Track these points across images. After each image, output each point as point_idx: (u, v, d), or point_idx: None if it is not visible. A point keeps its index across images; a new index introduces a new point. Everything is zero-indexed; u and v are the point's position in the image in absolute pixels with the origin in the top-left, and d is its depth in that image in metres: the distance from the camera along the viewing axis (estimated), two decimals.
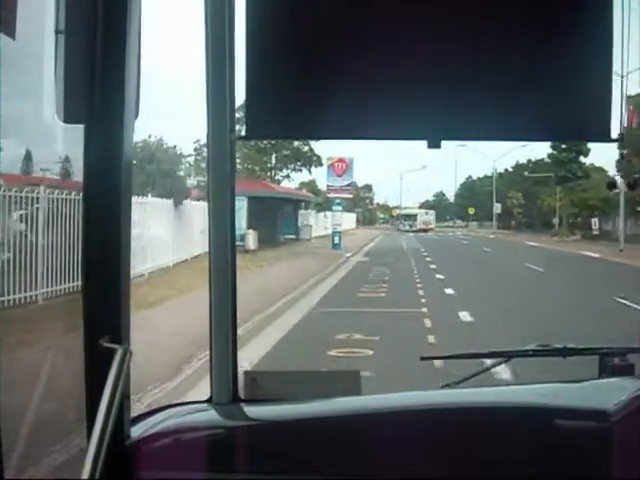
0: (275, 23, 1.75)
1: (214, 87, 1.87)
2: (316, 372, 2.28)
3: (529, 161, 42.99)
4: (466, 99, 1.75)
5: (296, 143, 33.29)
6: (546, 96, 1.76)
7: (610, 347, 2.24)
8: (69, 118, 1.62)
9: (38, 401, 1.74)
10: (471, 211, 45.22)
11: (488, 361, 2.44)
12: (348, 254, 25.66)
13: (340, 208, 29.74)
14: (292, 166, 35.98)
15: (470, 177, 49.07)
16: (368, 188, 51.33)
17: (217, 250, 1.93)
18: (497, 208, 42.89)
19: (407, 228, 41.86)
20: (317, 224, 35.09)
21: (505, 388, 2.17)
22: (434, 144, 1.78)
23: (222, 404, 1.94)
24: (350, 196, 35.21)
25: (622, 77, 1.80)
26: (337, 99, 1.76)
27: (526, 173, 42.44)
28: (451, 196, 51.81)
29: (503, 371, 5.56)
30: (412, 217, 43.14)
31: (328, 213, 33.05)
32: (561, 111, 1.76)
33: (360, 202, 45.89)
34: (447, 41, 1.74)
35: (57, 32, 1.58)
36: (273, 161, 35.69)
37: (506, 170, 44.55)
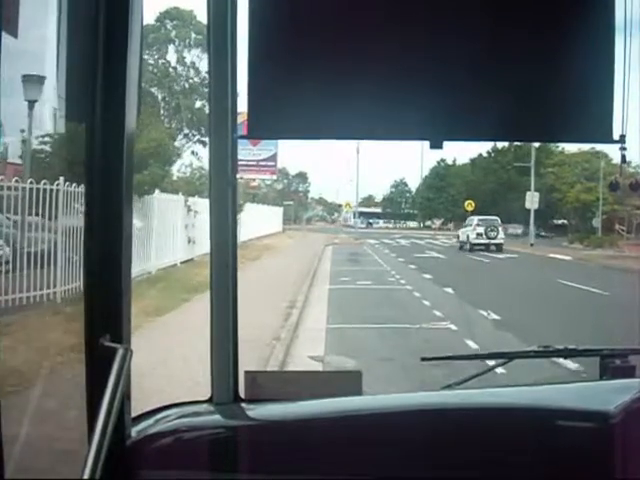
0: (277, 23, 1.75)
1: (216, 86, 1.88)
2: (317, 372, 2.29)
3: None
4: (468, 100, 1.75)
5: (199, 104, 21.70)
6: (548, 96, 1.76)
7: (611, 348, 2.24)
8: (71, 116, 1.62)
9: (38, 400, 1.74)
10: (469, 207, 26.23)
11: (489, 362, 2.44)
12: None
13: None
14: (195, 135, 23.53)
15: (443, 160, 30.37)
16: (302, 177, 36.59)
17: (218, 249, 1.92)
18: (534, 201, 22.90)
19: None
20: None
21: (506, 389, 2.16)
22: (436, 144, 1.78)
23: (223, 404, 1.94)
24: (272, 177, 21.68)
25: (624, 78, 1.80)
26: (339, 100, 1.76)
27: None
28: (414, 187, 33.39)
29: None
30: None
31: (199, 201, 14.41)
32: (563, 112, 1.76)
33: (292, 195, 35.29)
34: (449, 41, 1.74)
35: (59, 30, 1.58)
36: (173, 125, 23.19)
37: (480, 155, 27.77)
